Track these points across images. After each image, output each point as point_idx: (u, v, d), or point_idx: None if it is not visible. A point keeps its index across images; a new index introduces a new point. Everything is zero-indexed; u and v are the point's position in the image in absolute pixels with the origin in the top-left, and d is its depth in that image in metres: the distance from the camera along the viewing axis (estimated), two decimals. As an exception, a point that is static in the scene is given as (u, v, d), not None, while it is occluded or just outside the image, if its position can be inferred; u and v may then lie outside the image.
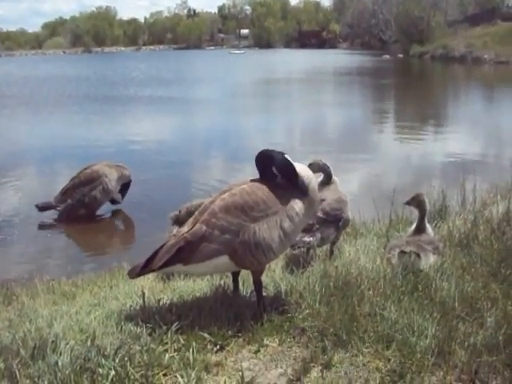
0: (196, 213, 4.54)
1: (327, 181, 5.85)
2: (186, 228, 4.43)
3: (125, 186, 11.39)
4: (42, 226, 10.51)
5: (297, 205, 4.43)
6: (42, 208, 10.71)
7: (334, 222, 5.66)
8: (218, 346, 4.08)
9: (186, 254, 4.28)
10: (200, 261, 4.30)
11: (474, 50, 66.87)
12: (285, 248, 4.63)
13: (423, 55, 75.89)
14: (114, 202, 11.34)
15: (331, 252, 5.82)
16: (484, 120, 24.78)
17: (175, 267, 4.40)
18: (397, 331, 4.10)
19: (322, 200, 5.40)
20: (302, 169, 4.56)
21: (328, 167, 5.88)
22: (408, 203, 5.87)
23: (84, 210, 10.82)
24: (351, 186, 6.08)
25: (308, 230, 5.41)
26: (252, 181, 4.55)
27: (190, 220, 4.50)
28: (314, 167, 5.49)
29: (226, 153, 17.68)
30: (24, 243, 9.64)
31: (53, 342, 4.08)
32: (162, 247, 4.41)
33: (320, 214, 5.38)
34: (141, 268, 4.36)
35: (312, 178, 4.62)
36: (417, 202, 5.78)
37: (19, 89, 42.12)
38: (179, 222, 6.51)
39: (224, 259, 4.32)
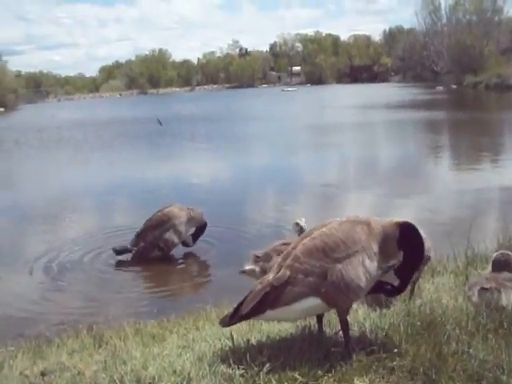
0: (279, 259, 4.70)
1: None
2: (271, 275, 4.60)
3: (200, 229, 11.62)
4: (118, 265, 10.93)
5: (375, 244, 4.56)
6: (119, 252, 11.07)
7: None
8: (310, 386, 4.17)
9: (272, 298, 4.43)
10: (286, 304, 4.42)
11: (530, 77, 66.04)
12: (370, 285, 4.71)
13: (477, 85, 75.14)
14: (184, 244, 11.57)
15: (412, 291, 5.86)
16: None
17: (265, 315, 4.53)
18: (486, 370, 4.13)
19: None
20: None
21: None
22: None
23: (157, 252, 11.12)
24: (421, 222, 6.14)
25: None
26: (330, 222, 4.71)
27: (275, 266, 4.67)
28: None
29: (286, 191, 17.77)
30: (102, 288, 9.92)
31: (150, 383, 4.25)
32: (249, 294, 4.56)
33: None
34: (230, 317, 4.52)
35: None
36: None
37: (79, 133, 43.29)
38: (260, 261, 6.69)
39: (311, 301, 4.44)
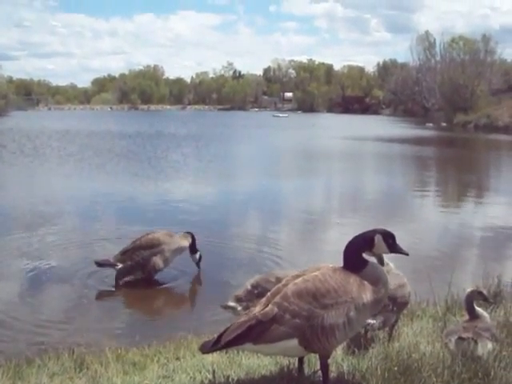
0: (268, 294, 4.76)
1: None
2: (257, 308, 4.66)
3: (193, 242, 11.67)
4: (102, 285, 10.91)
5: (366, 296, 4.64)
6: (101, 265, 11.07)
7: (398, 307, 5.84)
8: (286, 426, 4.25)
9: (256, 333, 4.47)
10: (270, 342, 4.48)
11: (519, 120, 66.83)
12: (347, 336, 4.82)
13: (467, 124, 75.87)
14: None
15: (390, 334, 5.97)
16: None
17: (245, 346, 4.59)
18: (459, 419, 4.23)
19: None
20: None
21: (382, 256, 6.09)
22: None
23: (141, 273, 11.14)
24: (402, 263, 6.23)
25: None
26: (324, 268, 4.79)
27: (263, 300, 4.73)
28: None
29: (270, 218, 17.82)
30: (84, 307, 9.84)
31: (129, 413, 4.32)
32: (233, 324, 4.64)
33: (387, 301, 5.54)
34: (212, 344, 4.57)
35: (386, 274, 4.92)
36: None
37: (66, 143, 43.35)
38: (242, 300, 6.72)
39: (293, 343, 4.50)
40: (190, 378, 4.99)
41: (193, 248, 11.64)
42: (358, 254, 4.80)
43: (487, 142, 56.72)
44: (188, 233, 11.69)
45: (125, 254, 11.10)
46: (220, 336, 4.55)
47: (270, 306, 4.56)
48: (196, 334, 6.94)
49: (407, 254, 4.96)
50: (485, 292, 6.04)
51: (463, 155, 41.96)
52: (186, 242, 11.50)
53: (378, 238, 4.84)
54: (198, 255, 11.62)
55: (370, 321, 5.51)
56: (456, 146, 50.62)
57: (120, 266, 11.00)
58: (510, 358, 5.22)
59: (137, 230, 12.62)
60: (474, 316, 5.76)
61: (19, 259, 12.39)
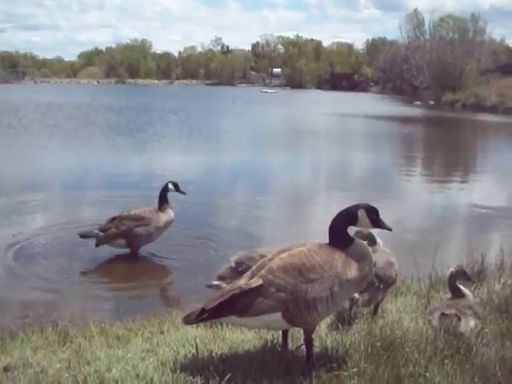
0: (253, 267, 4.76)
1: (371, 246, 6.00)
2: (242, 281, 4.65)
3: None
4: (86, 259, 10.93)
5: (350, 272, 4.64)
6: (84, 236, 11.08)
7: (385, 285, 5.85)
8: (269, 400, 4.26)
9: (241, 306, 4.47)
10: (254, 314, 4.49)
11: (506, 100, 66.85)
12: (330, 311, 4.82)
13: (454, 103, 75.89)
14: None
15: (375, 311, 5.99)
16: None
17: (229, 318, 4.60)
18: (441, 394, 4.26)
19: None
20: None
21: (373, 235, 6.09)
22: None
23: (123, 243, 11.13)
24: (386, 239, 6.23)
25: None
26: (310, 244, 4.79)
27: (248, 273, 4.72)
28: (359, 235, 5.68)
29: (260, 195, 17.72)
30: (68, 281, 9.82)
31: (112, 386, 4.32)
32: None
33: (373, 279, 5.53)
34: (196, 315, 4.55)
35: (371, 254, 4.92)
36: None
37: (52, 117, 43.03)
38: (226, 278, 6.66)
39: (277, 316, 4.50)
40: (174, 351, 5.00)
41: (165, 190, 11.53)
42: (343, 230, 4.79)
43: (473, 121, 56.78)
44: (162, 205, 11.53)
45: (111, 223, 11.10)
46: (204, 307, 4.54)
47: (254, 278, 4.56)
48: (180, 309, 6.94)
49: (390, 230, 4.96)
50: (468, 271, 6.06)
51: (449, 134, 42.01)
52: (168, 217, 11.43)
53: (361, 213, 4.82)
54: (170, 185, 11.53)
55: (356, 295, 5.51)
56: (443, 125, 50.68)
57: (103, 234, 11.02)
58: (492, 335, 5.27)
59: (116, 196, 12.35)
60: (457, 294, 5.79)
61: (2, 232, 12.32)
